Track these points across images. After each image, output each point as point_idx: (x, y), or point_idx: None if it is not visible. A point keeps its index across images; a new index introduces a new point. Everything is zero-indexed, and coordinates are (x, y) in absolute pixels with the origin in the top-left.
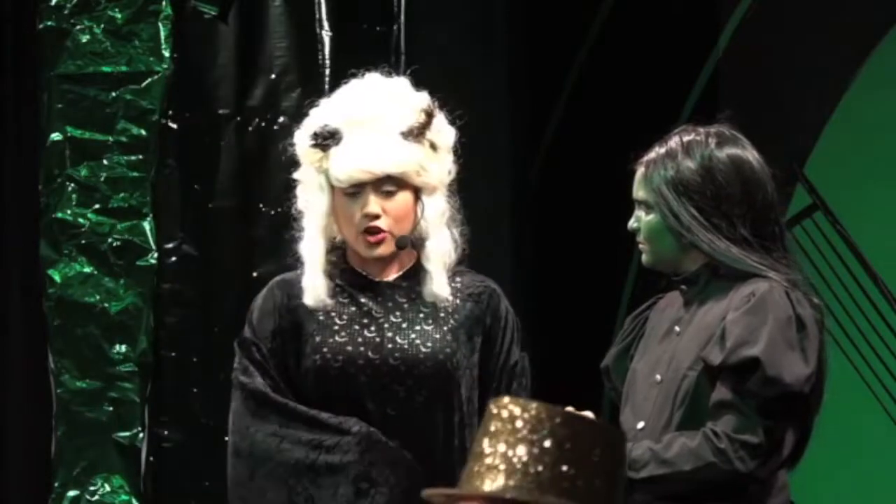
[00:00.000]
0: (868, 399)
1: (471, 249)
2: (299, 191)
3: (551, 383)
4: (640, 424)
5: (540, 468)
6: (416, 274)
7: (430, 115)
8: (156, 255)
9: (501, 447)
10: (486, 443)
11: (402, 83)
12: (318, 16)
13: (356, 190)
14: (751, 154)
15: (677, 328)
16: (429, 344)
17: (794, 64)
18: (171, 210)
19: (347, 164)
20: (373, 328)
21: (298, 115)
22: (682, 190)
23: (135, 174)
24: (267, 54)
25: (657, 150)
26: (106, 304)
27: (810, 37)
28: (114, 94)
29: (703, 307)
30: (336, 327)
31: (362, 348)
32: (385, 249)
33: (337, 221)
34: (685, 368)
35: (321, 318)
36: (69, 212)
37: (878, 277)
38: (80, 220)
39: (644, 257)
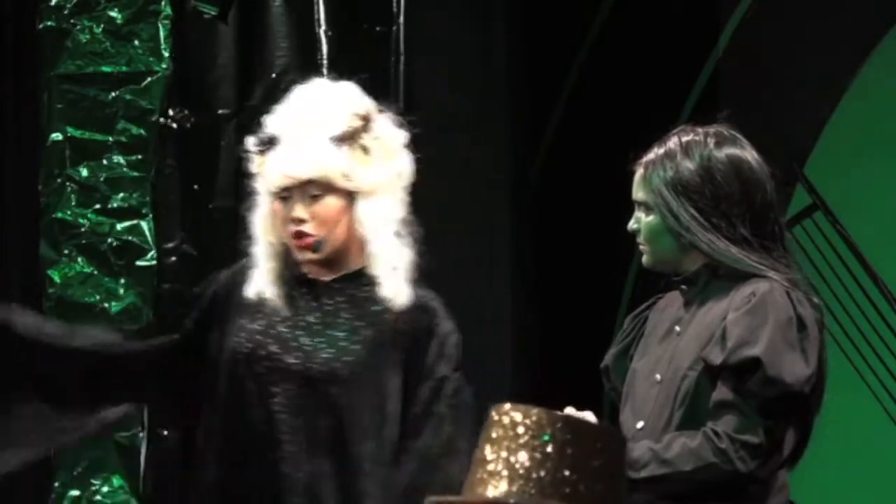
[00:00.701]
0: (868, 399)
1: (471, 249)
2: (255, 199)
3: (551, 383)
4: (640, 424)
5: (542, 473)
6: (357, 278)
7: (365, 120)
8: (156, 255)
9: (503, 453)
10: (488, 449)
11: (347, 88)
12: (317, 16)
13: (286, 194)
14: (750, 154)
15: (677, 328)
16: (331, 350)
17: (794, 64)
18: (171, 210)
19: (275, 168)
20: (288, 324)
21: None
22: (682, 190)
23: (135, 174)
24: (267, 54)
25: (656, 151)
26: (106, 304)
27: (810, 37)
28: (114, 94)
29: (703, 307)
30: (259, 315)
31: (270, 340)
32: (314, 254)
33: (275, 224)
34: (685, 368)
35: (254, 301)
36: (69, 212)
37: (878, 277)
38: (80, 220)
39: (644, 258)
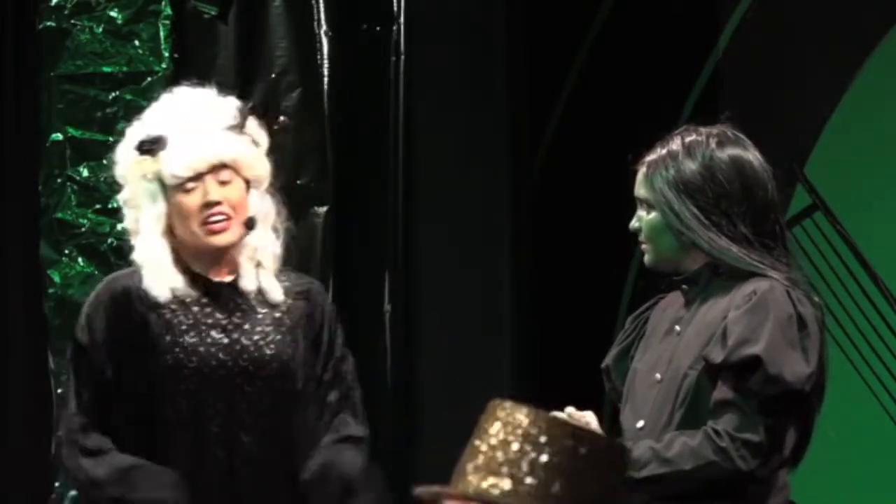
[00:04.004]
0: (868, 399)
1: (470, 249)
2: (126, 212)
3: (551, 383)
4: (640, 424)
5: (533, 481)
6: (248, 276)
7: (244, 115)
8: None
9: (499, 453)
10: (481, 443)
11: (211, 91)
12: (317, 16)
13: (194, 184)
14: (752, 154)
15: (678, 327)
16: (272, 345)
17: (794, 64)
18: None
19: (183, 157)
20: (218, 329)
21: (298, 115)
22: (683, 189)
23: None
24: (267, 54)
25: (659, 151)
26: None
27: (810, 37)
28: (114, 94)
29: (703, 306)
30: (184, 327)
31: (213, 349)
32: (231, 237)
33: (174, 223)
34: (686, 367)
35: (167, 316)
36: (69, 212)
37: (878, 277)
38: (80, 220)
39: (646, 257)
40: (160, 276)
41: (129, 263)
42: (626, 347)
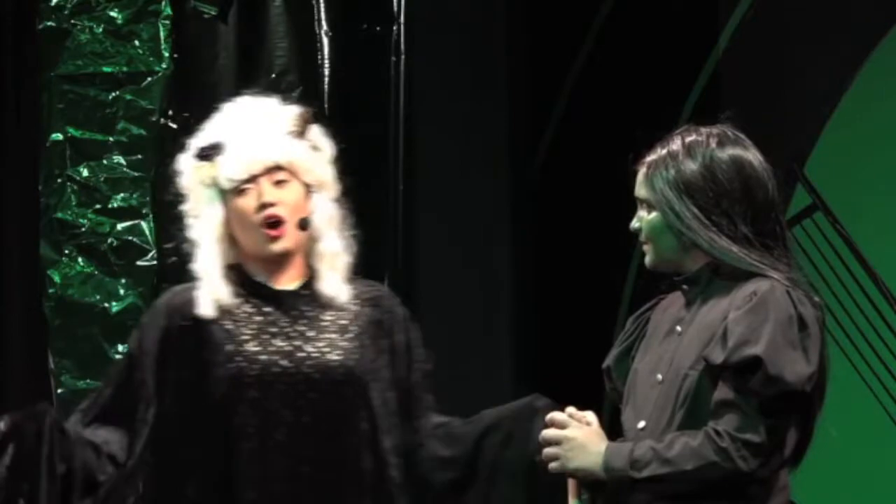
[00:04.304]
0: (868, 399)
1: (470, 250)
2: (190, 221)
3: (552, 383)
4: (641, 424)
5: None
6: (315, 282)
7: (307, 122)
8: (156, 255)
9: None
10: None
11: (273, 100)
12: (317, 16)
13: (249, 186)
14: (752, 154)
15: (678, 328)
16: (338, 352)
17: (794, 64)
18: (171, 210)
19: (238, 160)
20: (282, 337)
21: None
22: (684, 189)
23: (135, 174)
24: (267, 54)
25: (659, 151)
26: (106, 304)
27: (810, 37)
28: (114, 94)
29: (704, 307)
30: (245, 337)
31: (276, 357)
32: (287, 243)
33: (234, 230)
34: (686, 368)
35: (228, 327)
36: (69, 212)
37: (878, 277)
38: (80, 220)
39: (647, 258)
40: (212, 291)
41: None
42: (627, 348)
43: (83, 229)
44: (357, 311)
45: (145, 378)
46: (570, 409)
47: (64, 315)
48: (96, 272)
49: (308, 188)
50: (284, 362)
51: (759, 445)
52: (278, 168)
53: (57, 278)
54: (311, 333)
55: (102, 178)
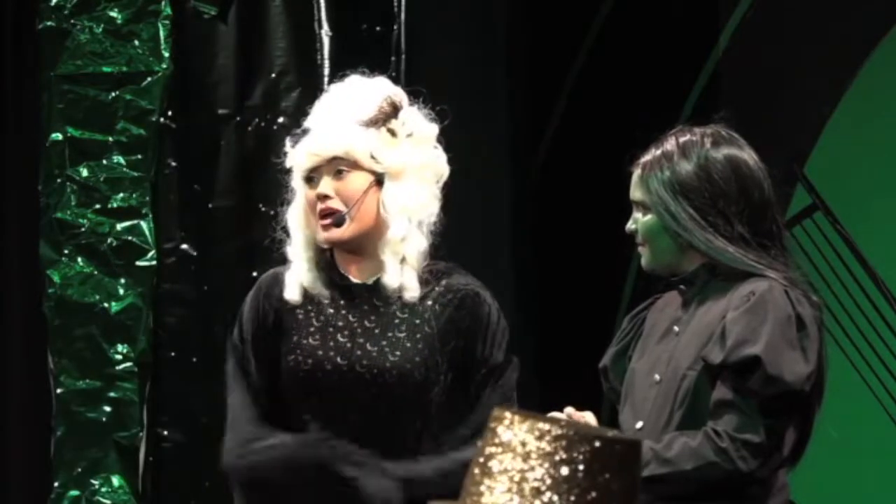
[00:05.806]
0: (868, 399)
1: (470, 249)
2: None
3: (551, 383)
4: (639, 424)
5: (554, 498)
6: (382, 274)
7: (394, 107)
8: (156, 255)
9: (515, 464)
10: (494, 458)
11: (380, 81)
12: (317, 16)
13: (314, 175)
14: (747, 153)
15: (676, 328)
16: (398, 352)
17: (794, 64)
18: (171, 210)
19: (303, 150)
20: (346, 332)
21: (298, 115)
22: (679, 190)
23: (135, 174)
24: (267, 54)
25: (653, 152)
26: (106, 304)
27: (810, 36)
28: (114, 94)
29: (702, 307)
30: (312, 328)
31: (332, 353)
32: (340, 233)
33: (306, 213)
34: (685, 368)
35: (300, 317)
36: (69, 212)
37: (878, 277)
38: (80, 220)
39: (643, 260)
40: (294, 278)
41: (128, 264)
42: (624, 347)
43: (83, 229)
44: (435, 311)
45: (249, 368)
46: (569, 410)
47: (64, 315)
48: (96, 272)
49: (377, 176)
50: (338, 359)
51: (759, 445)
52: (337, 158)
53: (56, 278)
54: (377, 331)
55: (102, 178)
